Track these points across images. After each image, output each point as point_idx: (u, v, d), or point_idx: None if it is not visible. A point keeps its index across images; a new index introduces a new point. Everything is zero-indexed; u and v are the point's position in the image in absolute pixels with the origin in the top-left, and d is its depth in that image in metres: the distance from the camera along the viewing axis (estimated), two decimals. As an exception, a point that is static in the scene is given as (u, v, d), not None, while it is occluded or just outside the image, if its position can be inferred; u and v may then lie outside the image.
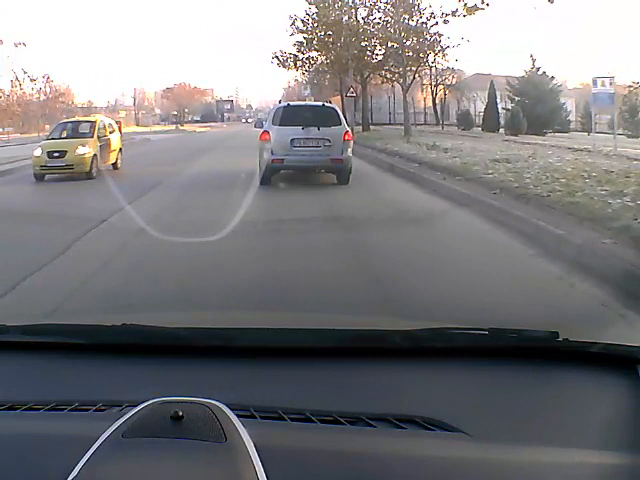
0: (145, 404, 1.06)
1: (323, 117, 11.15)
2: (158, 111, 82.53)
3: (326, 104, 12.52)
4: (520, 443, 1.09)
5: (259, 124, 12.58)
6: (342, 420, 1.14)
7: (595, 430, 1.15)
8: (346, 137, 10.98)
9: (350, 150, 11.07)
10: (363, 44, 30.51)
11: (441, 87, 45.22)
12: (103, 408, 1.20)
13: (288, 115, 11.13)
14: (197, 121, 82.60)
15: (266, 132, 11.16)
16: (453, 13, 15.83)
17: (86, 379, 1.34)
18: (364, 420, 1.14)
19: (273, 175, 11.03)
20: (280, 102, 11.97)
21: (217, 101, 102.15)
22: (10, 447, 1.08)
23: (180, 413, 1.01)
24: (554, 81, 38.02)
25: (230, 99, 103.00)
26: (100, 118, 16.02)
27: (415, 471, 1.01)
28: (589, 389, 1.27)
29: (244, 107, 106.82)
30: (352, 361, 1.35)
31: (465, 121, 38.88)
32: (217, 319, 1.80)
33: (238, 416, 1.05)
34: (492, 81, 38.08)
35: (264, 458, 0.96)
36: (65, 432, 1.11)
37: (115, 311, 3.57)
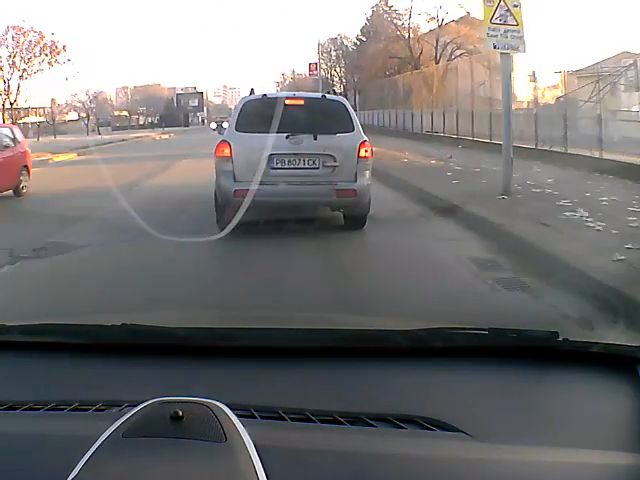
0: (145, 404, 1.06)
1: (323, 118, 6.88)
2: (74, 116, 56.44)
3: (329, 95, 7.56)
4: (520, 443, 1.09)
5: (221, 129, 8.26)
6: (342, 420, 1.14)
7: (595, 430, 1.15)
8: (362, 152, 6.68)
9: (368, 174, 6.81)
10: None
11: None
12: (103, 408, 1.20)
13: (262, 114, 6.56)
14: (154, 125, 62.38)
15: (224, 143, 6.72)
16: None
17: (86, 379, 1.34)
18: (364, 420, 1.14)
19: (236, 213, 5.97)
20: (252, 93, 7.41)
21: (177, 94, 71.13)
22: (10, 447, 1.08)
23: (180, 413, 1.01)
24: None
25: (199, 91, 72.79)
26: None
27: (415, 471, 1.01)
28: (589, 389, 1.27)
29: (232, 107, 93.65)
30: (352, 361, 1.35)
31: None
32: (217, 319, 1.79)
33: (238, 416, 1.05)
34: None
35: (264, 458, 0.96)
36: (65, 432, 1.11)
37: (115, 311, 3.57)
